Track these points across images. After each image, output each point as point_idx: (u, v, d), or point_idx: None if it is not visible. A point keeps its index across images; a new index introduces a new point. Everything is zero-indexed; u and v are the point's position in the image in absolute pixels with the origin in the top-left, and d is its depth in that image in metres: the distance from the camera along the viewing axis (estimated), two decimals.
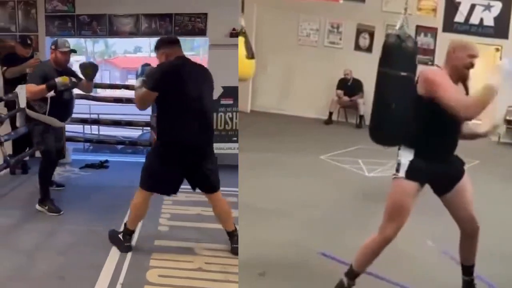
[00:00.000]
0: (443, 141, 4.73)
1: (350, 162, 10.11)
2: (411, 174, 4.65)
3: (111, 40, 41.14)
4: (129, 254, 6.04)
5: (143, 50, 42.68)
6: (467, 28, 14.00)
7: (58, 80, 7.06)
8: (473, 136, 5.26)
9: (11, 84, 8.72)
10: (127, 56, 46.10)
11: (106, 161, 10.24)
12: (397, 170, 4.70)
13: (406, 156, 4.68)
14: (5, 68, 9.29)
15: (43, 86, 7.08)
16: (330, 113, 14.59)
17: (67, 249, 6.19)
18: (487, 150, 12.98)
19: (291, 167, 9.77)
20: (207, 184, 6.14)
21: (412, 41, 7.16)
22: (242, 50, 10.28)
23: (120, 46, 45.78)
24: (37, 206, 7.42)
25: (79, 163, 10.42)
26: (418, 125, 4.62)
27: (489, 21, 13.92)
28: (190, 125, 5.79)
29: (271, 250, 6.14)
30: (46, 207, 7.37)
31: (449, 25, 14.13)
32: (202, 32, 10.92)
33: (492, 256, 6.09)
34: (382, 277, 5.51)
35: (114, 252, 6.07)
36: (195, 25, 10.77)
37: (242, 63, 10.32)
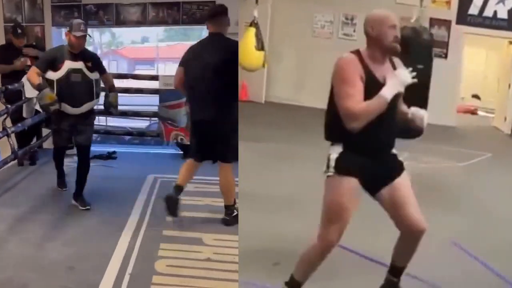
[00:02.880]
0: (369, 133, 4.12)
1: None
2: (342, 168, 4.23)
3: (118, 31, 41.06)
4: (138, 244, 6.04)
5: (150, 40, 42.66)
6: (480, 20, 14.01)
7: (43, 93, 6.79)
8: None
9: (13, 77, 8.77)
10: (134, 47, 46.08)
11: (114, 152, 10.20)
12: (328, 166, 4.31)
13: (334, 152, 4.28)
14: None
15: (35, 79, 6.81)
16: None
17: (76, 239, 6.19)
18: (499, 143, 13.01)
19: (306, 158, 9.78)
20: (214, 153, 6.53)
21: (428, 34, 7.23)
22: (251, 41, 10.34)
23: (127, 36, 45.70)
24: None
25: None
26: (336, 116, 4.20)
27: (503, 14, 13.92)
28: (200, 102, 6.43)
29: (286, 240, 6.16)
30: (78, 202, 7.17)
31: (463, 18, 14.14)
32: None
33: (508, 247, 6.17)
34: (377, 261, 5.48)
35: (123, 242, 6.08)
36: (203, 13, 10.28)
37: (250, 54, 10.40)
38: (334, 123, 4.21)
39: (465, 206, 7.70)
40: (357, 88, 4.08)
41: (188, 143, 9.59)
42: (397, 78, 4.12)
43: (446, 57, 13.96)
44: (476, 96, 18.35)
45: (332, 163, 4.26)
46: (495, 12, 13.94)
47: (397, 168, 4.41)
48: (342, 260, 5.28)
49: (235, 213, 6.63)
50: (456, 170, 9.74)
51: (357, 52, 4.27)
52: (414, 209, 4.35)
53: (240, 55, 10.31)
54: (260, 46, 10.32)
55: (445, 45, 14.07)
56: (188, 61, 6.49)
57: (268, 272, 5.37)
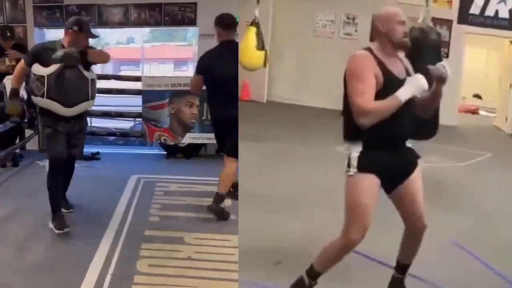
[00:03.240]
0: (387, 128, 4.19)
1: None
2: (364, 166, 4.28)
3: (103, 31, 40.99)
4: (120, 245, 6.01)
5: (135, 41, 42.55)
6: (482, 20, 14.03)
7: (8, 102, 6.81)
8: (429, 99, 4.42)
9: None
10: (119, 47, 45.91)
11: (98, 152, 10.11)
12: (349, 165, 4.34)
13: (355, 149, 4.32)
14: None
15: (15, 82, 6.59)
16: None
17: (57, 241, 6.15)
18: (500, 142, 13.02)
19: (307, 157, 9.80)
20: (230, 147, 6.95)
21: (436, 33, 7.24)
22: (252, 40, 10.34)
23: (113, 37, 45.50)
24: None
25: None
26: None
27: (504, 13, 13.94)
28: (226, 102, 6.83)
29: (287, 239, 6.18)
30: (54, 224, 6.37)
31: (464, 17, 14.16)
32: (192, 22, 10.74)
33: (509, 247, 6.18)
34: (380, 261, 5.51)
35: (105, 243, 6.03)
36: (185, 14, 10.56)
37: (251, 53, 10.40)
38: (352, 122, 4.25)
39: (466, 206, 7.70)
40: (369, 84, 4.13)
41: (172, 143, 10.01)
42: (416, 82, 4.18)
43: (447, 56, 13.95)
44: (477, 96, 18.36)
45: (354, 162, 4.30)
46: (497, 12, 13.96)
47: (412, 162, 4.50)
48: (348, 262, 5.29)
49: (221, 207, 6.91)
50: (457, 170, 9.75)
51: (369, 49, 4.30)
52: (421, 205, 4.47)
53: (241, 55, 10.32)
54: (261, 46, 10.32)
55: (446, 44, 14.06)
56: (209, 68, 6.83)
57: (269, 271, 5.38)
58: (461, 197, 8.15)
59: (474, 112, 17.53)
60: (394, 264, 4.83)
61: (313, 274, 4.66)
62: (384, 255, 5.39)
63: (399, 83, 4.18)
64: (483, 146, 11.58)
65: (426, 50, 5.96)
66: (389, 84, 4.15)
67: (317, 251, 5.71)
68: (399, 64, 4.35)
